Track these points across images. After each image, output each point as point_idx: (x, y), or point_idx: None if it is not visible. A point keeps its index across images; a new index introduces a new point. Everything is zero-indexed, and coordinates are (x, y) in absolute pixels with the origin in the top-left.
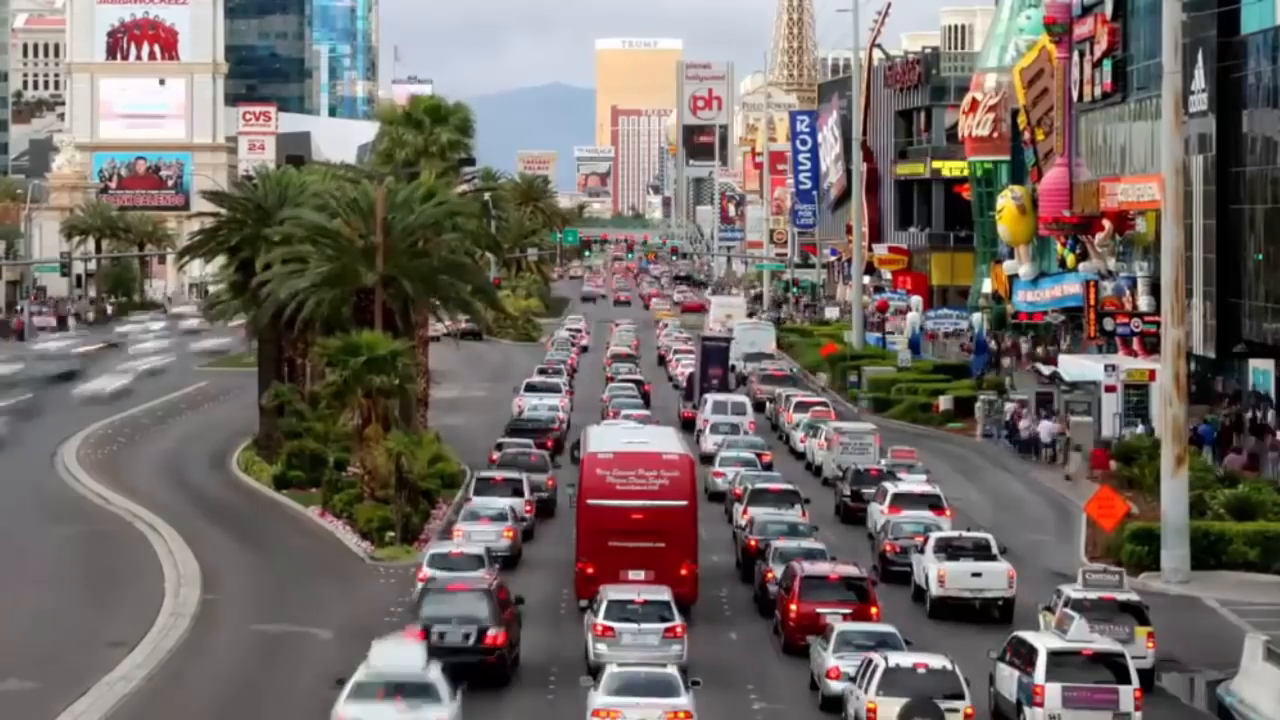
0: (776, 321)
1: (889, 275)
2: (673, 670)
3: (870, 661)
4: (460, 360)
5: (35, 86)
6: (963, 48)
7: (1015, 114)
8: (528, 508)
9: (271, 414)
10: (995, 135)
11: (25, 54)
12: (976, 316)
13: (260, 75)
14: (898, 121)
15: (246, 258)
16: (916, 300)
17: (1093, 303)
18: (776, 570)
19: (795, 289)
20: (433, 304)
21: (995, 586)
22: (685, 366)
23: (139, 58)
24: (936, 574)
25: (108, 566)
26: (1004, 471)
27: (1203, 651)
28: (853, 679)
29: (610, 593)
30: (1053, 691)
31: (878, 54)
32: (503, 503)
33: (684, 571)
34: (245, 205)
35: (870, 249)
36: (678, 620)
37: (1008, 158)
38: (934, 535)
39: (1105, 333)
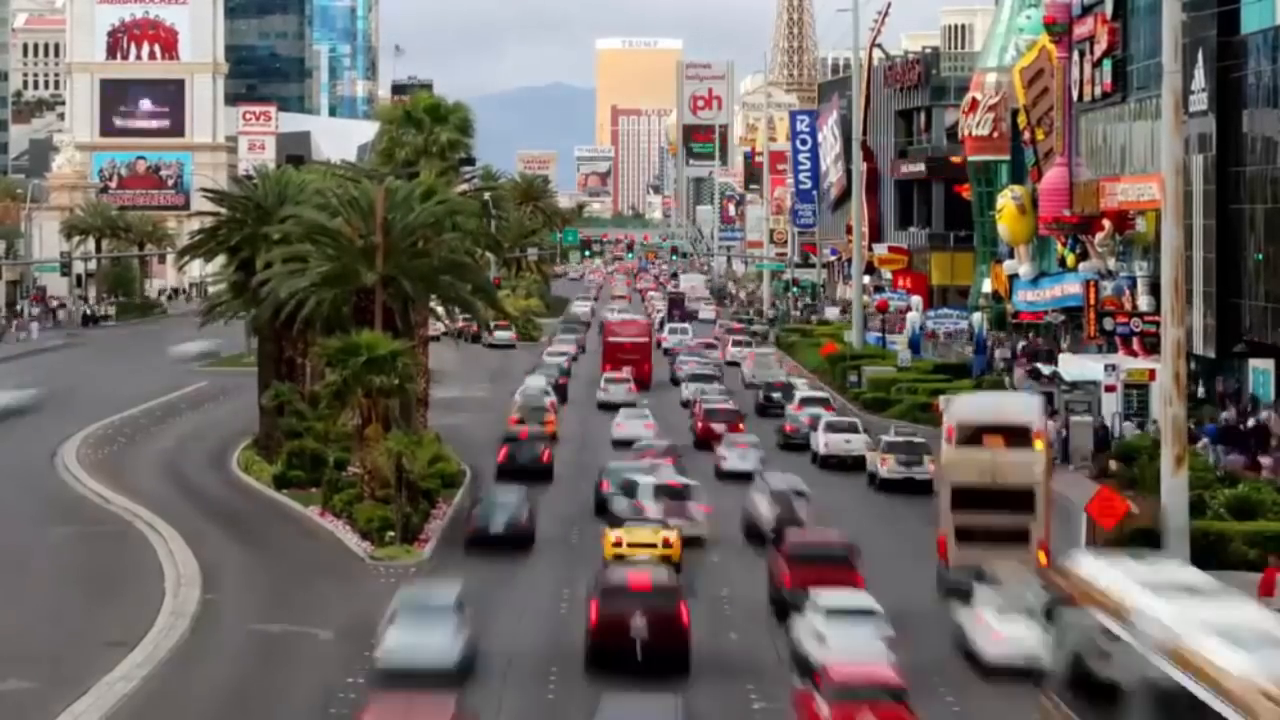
0: (773, 321)
1: (889, 275)
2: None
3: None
4: (460, 360)
5: (35, 86)
6: (963, 48)
7: (1015, 114)
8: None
9: (271, 414)
10: (995, 135)
11: (25, 54)
12: (976, 316)
13: (260, 75)
14: (898, 121)
15: (246, 257)
16: (916, 300)
17: (1093, 303)
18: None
19: (795, 289)
20: (432, 305)
21: (858, 449)
22: (657, 309)
23: (139, 58)
24: (824, 441)
25: (108, 566)
26: None
27: None
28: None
29: (603, 378)
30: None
31: (878, 54)
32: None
33: (646, 367)
34: (245, 204)
35: (870, 249)
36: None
37: (1008, 158)
38: (823, 419)
39: (1105, 333)
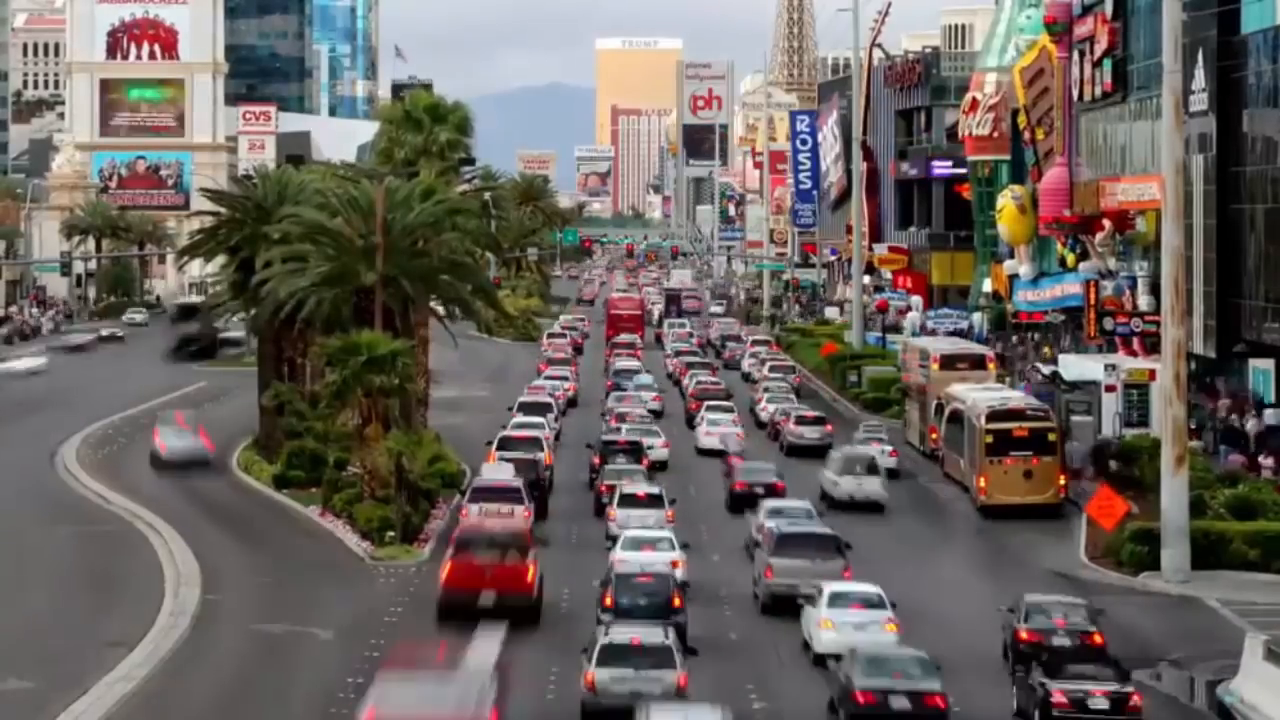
0: (773, 320)
1: (889, 275)
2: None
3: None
4: (460, 360)
5: (35, 86)
6: (963, 48)
7: (1015, 114)
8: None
9: (271, 414)
10: (995, 135)
11: (25, 54)
12: (976, 316)
13: (260, 75)
14: (898, 121)
15: (246, 257)
16: (916, 300)
17: (1093, 303)
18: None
19: (795, 289)
20: (432, 305)
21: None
22: (655, 306)
23: (139, 57)
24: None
25: (108, 566)
26: None
27: (1203, 651)
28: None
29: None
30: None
31: (878, 54)
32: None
33: (639, 330)
34: (245, 204)
35: (870, 249)
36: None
37: (1008, 157)
38: (766, 363)
39: (1105, 333)
